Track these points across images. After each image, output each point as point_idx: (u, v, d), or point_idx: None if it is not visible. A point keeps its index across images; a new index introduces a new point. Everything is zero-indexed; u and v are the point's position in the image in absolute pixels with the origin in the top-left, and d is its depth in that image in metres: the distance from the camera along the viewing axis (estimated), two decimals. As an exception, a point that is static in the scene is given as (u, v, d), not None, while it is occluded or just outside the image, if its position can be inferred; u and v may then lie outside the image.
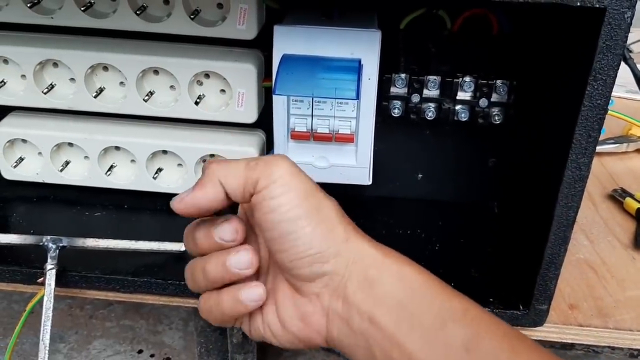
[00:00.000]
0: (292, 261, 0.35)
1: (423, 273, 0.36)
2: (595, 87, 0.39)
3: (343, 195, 0.39)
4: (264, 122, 0.54)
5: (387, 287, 0.34)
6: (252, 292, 0.36)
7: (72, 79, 0.53)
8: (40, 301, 0.47)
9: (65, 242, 0.49)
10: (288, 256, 0.35)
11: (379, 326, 0.34)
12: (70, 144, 0.56)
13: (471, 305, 0.35)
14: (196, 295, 0.50)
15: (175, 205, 0.36)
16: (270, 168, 0.34)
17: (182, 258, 0.51)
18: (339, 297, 0.35)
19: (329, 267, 0.35)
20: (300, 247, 0.34)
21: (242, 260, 0.35)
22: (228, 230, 0.36)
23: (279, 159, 0.35)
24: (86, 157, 0.57)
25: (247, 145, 0.55)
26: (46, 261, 0.48)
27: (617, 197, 0.66)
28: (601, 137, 0.76)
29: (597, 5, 0.37)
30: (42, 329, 0.46)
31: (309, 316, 0.36)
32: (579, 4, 0.37)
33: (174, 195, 0.57)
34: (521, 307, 0.48)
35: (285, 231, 0.34)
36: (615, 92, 0.89)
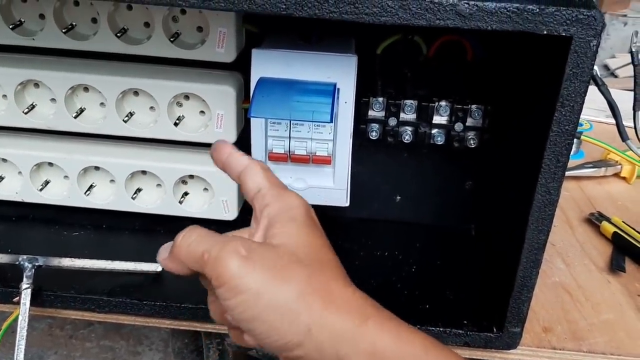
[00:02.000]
0: (264, 346, 0.34)
1: (400, 340, 0.33)
2: (563, 113, 0.40)
3: (321, 217, 0.39)
4: (244, 144, 0.55)
5: None
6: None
7: (53, 100, 0.54)
8: (17, 320, 0.47)
9: (41, 261, 0.49)
10: (259, 343, 0.34)
11: None
12: (50, 164, 0.57)
13: None
14: (171, 316, 0.50)
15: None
16: (218, 268, 0.33)
17: (158, 278, 0.52)
18: None
19: (299, 353, 0.33)
20: (265, 340, 0.33)
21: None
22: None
23: (227, 254, 0.33)
24: (66, 176, 0.57)
25: (226, 166, 0.55)
26: (22, 280, 0.48)
27: (594, 220, 0.66)
28: (580, 161, 0.78)
29: (564, 34, 0.38)
30: (16, 348, 0.46)
31: None
32: (546, 32, 0.38)
33: (153, 215, 0.58)
34: (495, 330, 0.48)
35: (246, 329, 0.34)
36: (595, 117, 0.90)
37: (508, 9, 0.37)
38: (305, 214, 0.37)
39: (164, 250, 0.36)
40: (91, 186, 0.57)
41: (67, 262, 0.51)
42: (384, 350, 0.33)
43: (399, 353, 0.33)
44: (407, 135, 0.55)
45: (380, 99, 0.54)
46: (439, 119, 0.54)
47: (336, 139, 0.51)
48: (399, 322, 0.35)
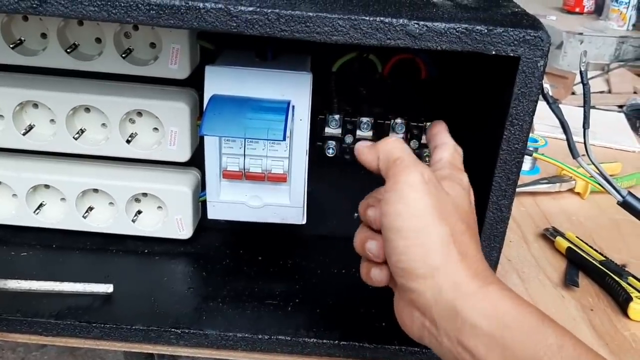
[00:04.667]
0: (389, 264, 0.38)
1: (520, 306, 0.35)
2: (513, 131, 0.40)
3: (280, 234, 0.39)
4: (200, 161, 0.54)
5: (474, 319, 0.35)
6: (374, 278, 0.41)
7: (1, 116, 0.52)
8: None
9: (-15, 283, 0.48)
10: (387, 257, 0.38)
11: (469, 350, 0.35)
12: (-2, 182, 0.55)
13: (567, 340, 0.34)
14: (122, 339, 0.49)
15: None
16: (401, 175, 0.37)
17: (109, 300, 0.50)
18: (426, 317, 0.37)
19: (416, 285, 0.36)
20: (393, 257, 0.37)
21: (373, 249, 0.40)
22: (374, 248, 0.40)
23: (415, 169, 0.37)
24: (14, 195, 0.55)
25: (181, 184, 0.54)
26: (-36, 303, 0.46)
27: (549, 236, 0.67)
28: (535, 177, 0.79)
29: (512, 54, 0.38)
30: (-44, 375, 0.44)
31: (405, 316, 0.39)
32: (494, 52, 0.39)
33: (105, 234, 0.56)
34: (450, 347, 0.48)
35: (386, 237, 0.37)
36: (551, 133, 0.92)
37: (457, 29, 0.38)
38: (468, 190, 0.40)
39: (364, 143, 0.42)
40: (41, 205, 0.56)
41: (13, 284, 0.49)
42: (504, 313, 0.34)
43: (518, 319, 0.34)
44: (364, 152, 0.55)
45: (337, 116, 0.54)
46: (395, 136, 0.54)
47: (292, 156, 0.50)
48: (517, 295, 0.37)
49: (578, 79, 1.65)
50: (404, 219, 0.36)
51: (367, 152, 0.41)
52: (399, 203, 0.37)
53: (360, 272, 0.43)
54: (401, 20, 0.38)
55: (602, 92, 1.61)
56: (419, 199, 0.36)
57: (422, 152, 0.54)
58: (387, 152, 0.39)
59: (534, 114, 0.40)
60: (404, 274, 0.37)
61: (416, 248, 0.36)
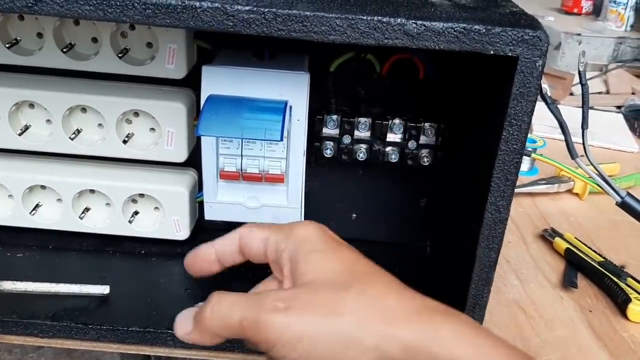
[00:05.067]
0: None
1: (490, 351, 0.30)
2: (511, 132, 0.40)
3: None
4: (196, 162, 0.54)
5: None
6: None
7: (-4, 116, 0.52)
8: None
9: (-20, 285, 0.47)
10: None
11: None
12: (-7, 182, 0.55)
13: None
14: (118, 340, 0.49)
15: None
16: (262, 333, 0.31)
17: (105, 301, 0.50)
18: None
19: None
20: None
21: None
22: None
23: (267, 315, 0.31)
24: (10, 195, 0.55)
25: (178, 184, 0.54)
26: (-41, 305, 0.46)
27: (547, 237, 0.67)
28: (534, 178, 0.79)
29: (510, 54, 0.38)
30: (-48, 377, 0.44)
31: None
32: (492, 52, 0.38)
33: (102, 235, 0.56)
34: (448, 349, 0.48)
35: None
36: (549, 134, 0.92)
37: (455, 29, 0.37)
38: (323, 237, 0.35)
39: (185, 323, 0.34)
40: (37, 205, 0.55)
41: (9, 286, 0.49)
42: None
43: None
44: (362, 152, 0.54)
45: (334, 117, 0.54)
46: (392, 137, 0.54)
47: (289, 157, 0.50)
48: (476, 326, 0.32)
49: (576, 79, 1.65)
50: (310, 352, 0.30)
51: (197, 338, 0.33)
52: (292, 351, 0.30)
53: None
54: (399, 20, 0.37)
55: (600, 92, 1.61)
56: (303, 329, 0.30)
57: (421, 153, 0.54)
58: (224, 326, 0.32)
59: (532, 114, 0.40)
60: None
61: (346, 356, 0.30)
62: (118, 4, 0.37)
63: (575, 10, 2.02)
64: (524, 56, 0.38)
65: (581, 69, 0.51)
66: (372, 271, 0.34)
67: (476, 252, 0.43)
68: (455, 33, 0.37)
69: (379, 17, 0.37)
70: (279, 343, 0.30)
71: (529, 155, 0.65)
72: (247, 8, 0.37)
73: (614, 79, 1.62)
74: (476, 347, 0.30)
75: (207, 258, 0.38)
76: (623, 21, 1.92)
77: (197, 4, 0.37)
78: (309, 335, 0.30)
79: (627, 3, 1.91)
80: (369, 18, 0.37)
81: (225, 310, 0.32)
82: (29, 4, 0.37)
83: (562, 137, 0.51)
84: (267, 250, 0.35)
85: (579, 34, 1.80)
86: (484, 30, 0.37)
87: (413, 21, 0.37)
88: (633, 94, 1.55)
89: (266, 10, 0.37)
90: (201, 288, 0.52)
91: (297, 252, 0.34)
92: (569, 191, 0.79)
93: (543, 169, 0.82)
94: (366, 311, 0.31)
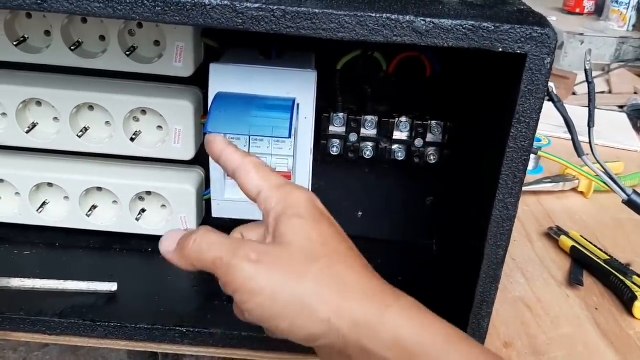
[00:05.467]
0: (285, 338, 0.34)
1: (422, 328, 0.33)
2: (519, 129, 0.40)
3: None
4: (203, 159, 0.54)
5: (382, 354, 0.32)
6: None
7: (4, 114, 0.52)
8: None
9: (-12, 282, 0.47)
10: (280, 335, 0.34)
11: None
12: (1, 180, 0.55)
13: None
14: (126, 337, 0.49)
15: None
16: (230, 275, 0.33)
17: (113, 298, 0.50)
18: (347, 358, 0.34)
19: (324, 342, 0.33)
20: (283, 335, 0.34)
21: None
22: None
23: (239, 261, 0.33)
24: (17, 193, 0.55)
25: (185, 182, 0.54)
26: (-33, 302, 0.46)
27: (553, 235, 0.67)
28: (539, 177, 0.79)
29: (519, 51, 0.38)
30: (-40, 374, 0.44)
31: None
32: (501, 49, 0.38)
33: (109, 233, 0.56)
34: (455, 346, 0.48)
35: (266, 326, 0.34)
36: (553, 133, 0.92)
37: (464, 26, 0.37)
38: (310, 207, 0.36)
39: (170, 242, 0.36)
40: (44, 203, 0.55)
41: (17, 283, 0.49)
42: (405, 340, 0.32)
43: (421, 343, 0.32)
44: (368, 150, 0.55)
45: (341, 115, 0.54)
46: (399, 135, 0.54)
47: (296, 154, 0.50)
48: (421, 309, 0.34)
49: (579, 79, 1.65)
50: (267, 307, 0.33)
51: (176, 261, 0.36)
52: (251, 300, 0.33)
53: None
54: (408, 17, 0.37)
55: (602, 92, 1.61)
56: (265, 284, 0.33)
57: (427, 151, 0.54)
58: (200, 260, 0.35)
59: (540, 112, 0.40)
60: (308, 341, 0.34)
61: (298, 319, 0.33)
62: (128, 1, 0.37)
63: (578, 10, 2.02)
64: (533, 53, 0.38)
65: (587, 67, 0.51)
66: (343, 250, 0.36)
67: (484, 250, 0.43)
68: (464, 30, 0.38)
69: (388, 15, 0.37)
70: (242, 289, 0.33)
71: (536, 153, 0.65)
72: (257, 5, 0.37)
73: (616, 78, 1.62)
74: (419, 328, 0.33)
75: (212, 152, 0.39)
76: (625, 21, 1.92)
77: (207, 1, 0.37)
78: (269, 290, 0.33)
79: (629, 3, 1.91)
80: (377, 15, 0.37)
81: (204, 247, 0.35)
82: (39, 1, 0.37)
83: (566, 135, 0.51)
84: (257, 198, 0.37)
85: (582, 34, 1.80)
86: (493, 28, 0.38)
87: (422, 18, 0.37)
88: (635, 93, 1.55)
89: (275, 7, 0.37)
90: (209, 285, 0.53)
91: (282, 214, 0.35)
92: (574, 189, 0.79)
93: (548, 167, 0.82)
94: (326, 284, 0.33)
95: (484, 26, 0.37)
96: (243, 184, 0.38)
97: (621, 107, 1.51)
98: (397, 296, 0.34)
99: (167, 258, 0.37)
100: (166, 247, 0.37)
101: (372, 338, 0.32)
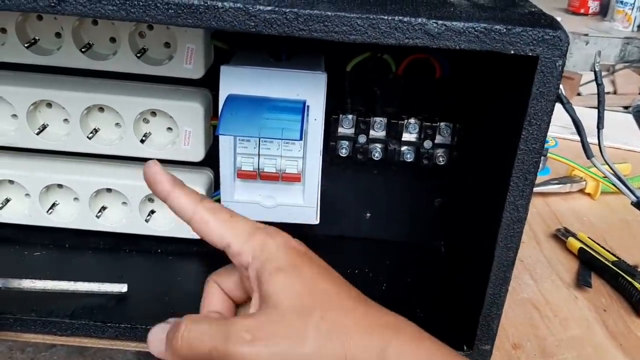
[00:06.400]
0: None
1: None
2: (530, 131, 0.40)
3: (293, 234, 0.38)
4: (212, 161, 0.54)
5: None
6: None
7: (14, 115, 0.52)
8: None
9: (0, 283, 0.48)
10: None
11: None
12: (11, 182, 0.55)
13: None
14: (136, 339, 0.49)
15: None
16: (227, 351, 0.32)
17: (123, 299, 0.50)
18: None
19: None
20: None
21: None
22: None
23: (235, 347, 0.32)
24: (27, 194, 0.55)
25: (195, 184, 0.54)
26: (-21, 303, 0.46)
27: (561, 236, 0.67)
28: (546, 178, 0.79)
29: (530, 54, 0.38)
30: (-28, 375, 0.44)
31: None
32: (513, 52, 0.38)
33: (118, 234, 0.56)
34: (465, 348, 0.48)
35: None
36: (560, 134, 0.92)
37: (476, 28, 0.38)
38: (287, 253, 0.35)
39: (158, 343, 0.35)
40: (54, 204, 0.56)
41: (28, 284, 0.49)
42: None
43: None
44: (377, 152, 0.55)
45: (350, 116, 0.54)
46: (408, 137, 0.54)
47: (306, 156, 0.50)
48: (420, 343, 0.34)
49: (583, 79, 1.65)
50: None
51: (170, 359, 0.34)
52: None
53: None
54: (420, 20, 0.37)
55: (607, 93, 1.61)
56: (270, 357, 0.32)
57: (436, 153, 0.54)
58: (193, 355, 0.33)
59: (552, 114, 0.40)
60: None
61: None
62: (141, 4, 0.37)
63: (582, 11, 2.02)
64: (544, 56, 0.38)
65: (597, 69, 0.51)
66: (331, 288, 0.35)
67: (494, 252, 0.44)
68: (476, 33, 0.38)
69: (400, 17, 0.37)
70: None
71: (545, 155, 0.65)
72: (269, 8, 0.37)
73: (621, 79, 1.62)
74: None
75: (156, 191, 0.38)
76: (630, 21, 1.92)
77: (220, 4, 0.37)
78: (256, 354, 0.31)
79: (634, 3, 1.91)
80: (389, 18, 0.38)
81: (194, 340, 0.33)
82: (52, 4, 0.37)
83: (572, 137, 0.51)
84: (225, 251, 0.36)
85: (586, 34, 1.80)
86: (505, 30, 0.38)
87: (434, 21, 0.37)
88: (641, 94, 1.55)
89: (288, 10, 0.37)
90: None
91: (262, 270, 0.34)
92: (581, 191, 0.79)
93: (555, 168, 0.82)
94: (327, 339, 0.32)
95: (496, 29, 0.38)
96: (204, 235, 0.36)
97: (626, 107, 1.51)
98: (396, 329, 0.34)
99: (160, 358, 0.35)
100: (155, 349, 0.35)
101: None
